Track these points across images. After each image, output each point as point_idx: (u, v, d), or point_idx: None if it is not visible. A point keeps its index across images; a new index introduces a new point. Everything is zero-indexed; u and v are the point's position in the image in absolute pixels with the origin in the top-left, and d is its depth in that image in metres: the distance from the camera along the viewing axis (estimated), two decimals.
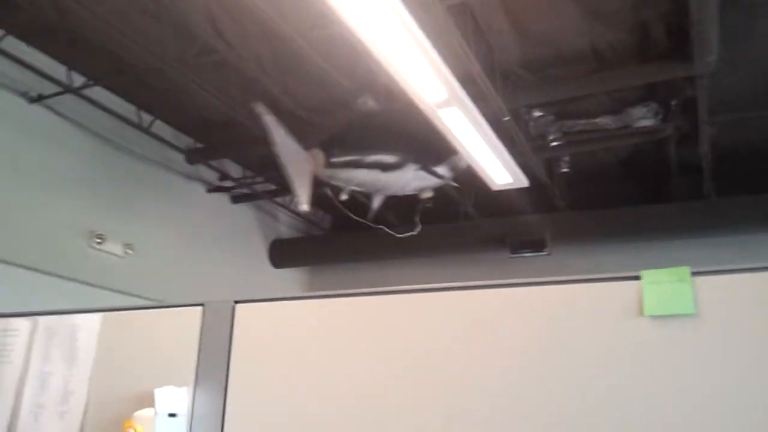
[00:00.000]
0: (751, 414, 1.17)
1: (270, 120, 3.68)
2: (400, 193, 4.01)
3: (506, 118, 4.63)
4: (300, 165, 3.76)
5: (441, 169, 3.95)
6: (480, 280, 1.44)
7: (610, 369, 1.27)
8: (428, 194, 4.11)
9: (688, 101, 4.73)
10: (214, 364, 1.56)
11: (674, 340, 1.24)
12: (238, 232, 6.76)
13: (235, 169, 6.45)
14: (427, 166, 3.87)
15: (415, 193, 4.06)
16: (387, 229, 4.26)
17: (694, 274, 1.26)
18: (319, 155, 3.73)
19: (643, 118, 5.08)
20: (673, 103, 4.89)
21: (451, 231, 6.39)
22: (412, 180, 3.90)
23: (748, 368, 1.19)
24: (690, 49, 3.88)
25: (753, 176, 5.77)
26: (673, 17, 4.03)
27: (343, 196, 3.83)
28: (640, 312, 1.27)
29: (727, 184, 5.65)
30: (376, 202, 4.06)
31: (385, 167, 3.74)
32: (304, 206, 3.71)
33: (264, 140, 3.90)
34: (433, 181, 4.04)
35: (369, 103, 3.91)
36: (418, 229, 4.30)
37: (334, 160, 3.71)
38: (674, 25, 4.09)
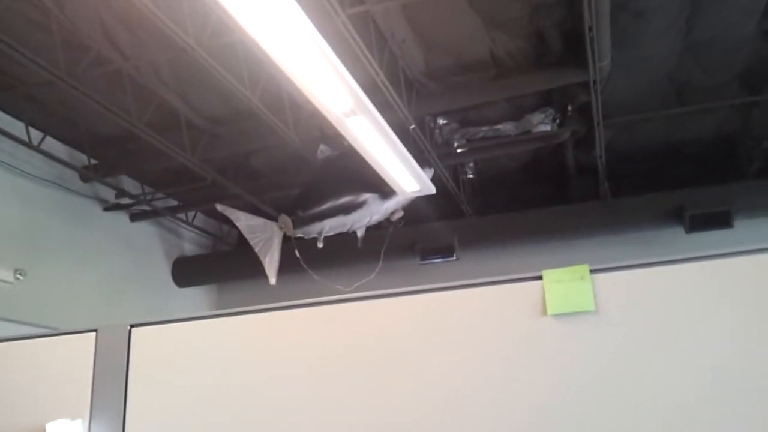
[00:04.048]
0: (650, 403, 1.20)
1: (229, 211, 4.09)
2: (373, 223, 4.44)
3: (412, 127, 4.66)
4: (266, 240, 4.16)
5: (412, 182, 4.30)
6: (390, 288, 1.42)
7: (518, 368, 1.28)
8: (399, 215, 4.49)
9: (583, 106, 4.92)
10: (110, 393, 1.46)
11: (577, 337, 1.27)
12: (139, 252, 6.48)
13: (133, 186, 6.19)
14: (385, 193, 4.29)
15: (387, 217, 4.47)
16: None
17: (593, 271, 1.29)
18: (287, 220, 4.12)
19: (542, 123, 5.25)
20: (569, 108, 5.08)
21: (362, 239, 6.37)
22: (375, 211, 4.29)
23: (647, 359, 1.23)
24: (584, 55, 4.03)
25: (646, 176, 6.08)
26: (567, 24, 4.19)
27: (320, 244, 4.21)
28: (544, 311, 1.28)
29: (622, 185, 5.92)
30: (360, 234, 4.37)
31: (346, 209, 4.13)
32: (272, 281, 4.10)
33: (163, 154, 3.82)
34: (400, 202, 4.42)
35: (326, 151, 4.11)
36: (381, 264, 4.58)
37: (301, 216, 4.11)
38: (569, 31, 4.24)
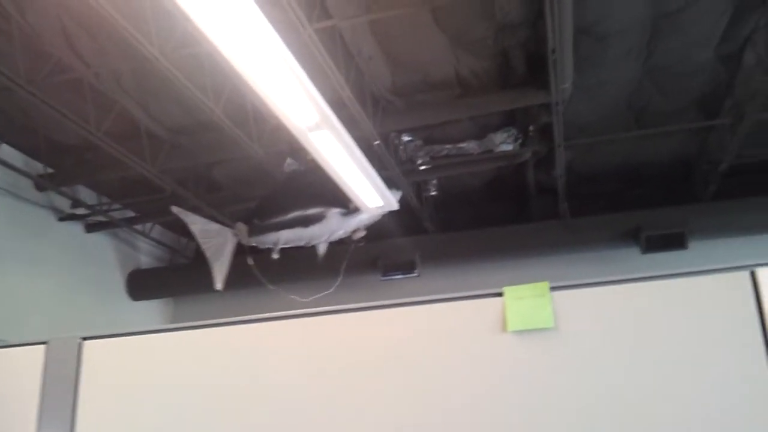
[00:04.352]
0: (608, 419, 1.21)
1: (184, 214, 4.03)
2: (334, 239, 4.33)
3: (377, 143, 4.67)
4: (219, 245, 4.09)
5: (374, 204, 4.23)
6: (351, 303, 1.41)
7: (477, 384, 1.28)
8: (361, 234, 4.39)
9: (544, 126, 5.00)
10: (59, 407, 1.41)
11: (536, 353, 1.27)
12: (93, 263, 6.32)
13: (89, 196, 6.05)
14: (349, 209, 4.21)
15: (348, 235, 4.38)
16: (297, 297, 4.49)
17: (553, 288, 1.30)
18: (242, 228, 4.06)
19: (504, 143, 5.32)
20: (531, 128, 5.16)
21: (324, 255, 6.34)
22: (336, 227, 4.20)
23: (605, 376, 1.24)
24: (546, 77, 4.10)
25: (605, 197, 6.19)
26: (531, 46, 4.26)
27: (275, 255, 4.11)
28: (504, 327, 1.29)
29: (581, 205, 6.02)
30: (321, 249, 4.29)
31: (305, 222, 4.05)
32: (219, 286, 4.06)
33: (121, 164, 3.74)
34: (363, 221, 4.32)
35: (292, 165, 4.06)
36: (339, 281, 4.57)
37: (257, 224, 4.03)
38: (533, 53, 4.32)
